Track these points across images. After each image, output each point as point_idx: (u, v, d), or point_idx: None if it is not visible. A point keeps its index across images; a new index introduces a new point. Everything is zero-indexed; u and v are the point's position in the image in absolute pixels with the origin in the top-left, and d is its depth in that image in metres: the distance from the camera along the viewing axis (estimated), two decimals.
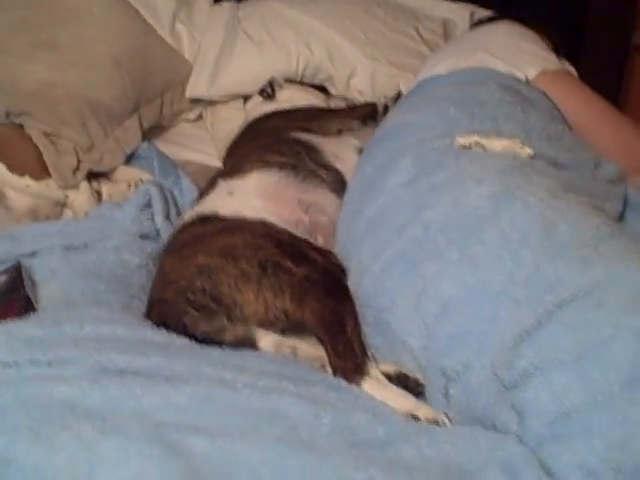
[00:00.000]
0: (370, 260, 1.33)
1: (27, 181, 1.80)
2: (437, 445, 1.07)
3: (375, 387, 1.24)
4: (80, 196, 1.85)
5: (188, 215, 1.59)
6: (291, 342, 1.33)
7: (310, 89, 2.16)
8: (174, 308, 1.39)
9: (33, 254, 1.56)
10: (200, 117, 2.31)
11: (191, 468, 1.00)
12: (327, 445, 1.06)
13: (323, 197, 1.60)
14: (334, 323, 1.31)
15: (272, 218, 1.50)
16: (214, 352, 1.27)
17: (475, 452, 1.06)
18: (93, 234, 1.60)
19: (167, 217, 1.69)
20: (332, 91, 2.22)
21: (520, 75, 1.73)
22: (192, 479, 0.99)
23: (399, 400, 1.22)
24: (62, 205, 1.87)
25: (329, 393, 1.18)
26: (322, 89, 2.21)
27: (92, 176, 1.94)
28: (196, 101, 2.25)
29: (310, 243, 1.46)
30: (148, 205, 1.67)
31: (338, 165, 1.68)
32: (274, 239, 1.42)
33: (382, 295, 1.27)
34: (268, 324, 1.34)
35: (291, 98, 2.09)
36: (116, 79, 1.99)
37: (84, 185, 1.87)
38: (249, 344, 1.31)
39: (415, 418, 1.19)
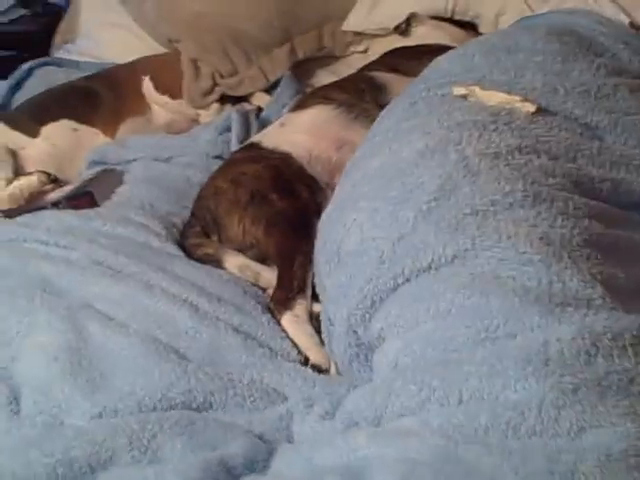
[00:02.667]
0: (331, 202, 1.35)
1: (166, 99, 2.10)
2: (269, 373, 1.14)
3: (291, 322, 1.29)
4: (208, 116, 2.10)
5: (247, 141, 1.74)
6: (256, 267, 1.43)
7: (451, 28, 2.08)
8: (192, 222, 1.57)
9: (133, 160, 1.86)
10: None
11: (79, 345, 1.22)
12: (191, 357, 1.19)
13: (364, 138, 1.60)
14: (287, 256, 1.37)
15: (302, 152, 1.57)
16: (178, 262, 1.43)
17: (294, 386, 1.12)
18: (177, 149, 1.84)
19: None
20: (481, 30, 2.10)
21: (624, 18, 1.50)
22: (75, 352, 1.20)
23: (303, 339, 1.27)
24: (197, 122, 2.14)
25: (235, 316, 1.27)
26: (472, 27, 2.12)
27: (235, 99, 2.17)
28: (361, 34, 2.31)
29: (313, 179, 1.51)
30: (228, 129, 1.84)
31: None
32: (277, 172, 1.51)
33: (320, 237, 1.30)
34: (245, 248, 1.46)
35: (424, 35, 2.06)
36: (261, 11, 2.16)
37: (215, 106, 2.11)
38: (215, 262, 1.44)
39: (306, 359, 1.23)
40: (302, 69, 2.29)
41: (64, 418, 1.11)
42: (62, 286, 1.36)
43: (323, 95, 1.71)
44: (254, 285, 1.41)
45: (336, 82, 1.79)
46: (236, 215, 1.46)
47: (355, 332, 1.10)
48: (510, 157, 1.13)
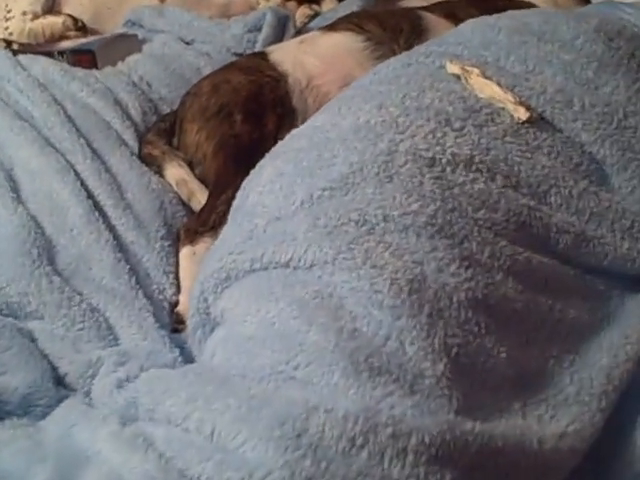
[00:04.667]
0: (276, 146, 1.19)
1: None
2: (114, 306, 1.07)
3: (186, 257, 1.19)
4: (267, 5, 1.92)
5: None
6: (193, 186, 1.30)
7: None
8: (166, 117, 1.46)
9: (161, 32, 1.73)
10: None
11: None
12: (59, 258, 1.13)
13: None
14: (220, 186, 1.25)
15: (301, 78, 1.41)
16: (119, 154, 1.32)
17: (127, 331, 1.05)
18: (202, 34, 1.69)
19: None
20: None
21: None
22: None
23: (186, 280, 1.16)
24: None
25: (131, 232, 1.20)
26: None
27: None
28: None
29: (292, 113, 1.35)
30: (260, 28, 1.67)
31: None
32: (257, 91, 1.35)
33: (247, 179, 1.14)
34: (195, 163, 1.34)
35: None
36: None
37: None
38: (156, 167, 1.33)
39: (176, 304, 1.13)
40: None
41: None
42: (0, 141, 1.31)
43: (357, 23, 1.50)
44: (185, 205, 1.30)
45: (379, 12, 1.58)
46: (197, 124, 1.34)
47: (206, 300, 0.97)
48: (448, 169, 0.93)
